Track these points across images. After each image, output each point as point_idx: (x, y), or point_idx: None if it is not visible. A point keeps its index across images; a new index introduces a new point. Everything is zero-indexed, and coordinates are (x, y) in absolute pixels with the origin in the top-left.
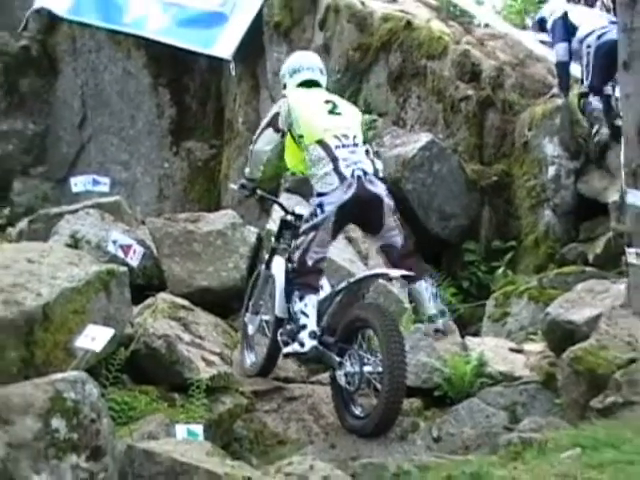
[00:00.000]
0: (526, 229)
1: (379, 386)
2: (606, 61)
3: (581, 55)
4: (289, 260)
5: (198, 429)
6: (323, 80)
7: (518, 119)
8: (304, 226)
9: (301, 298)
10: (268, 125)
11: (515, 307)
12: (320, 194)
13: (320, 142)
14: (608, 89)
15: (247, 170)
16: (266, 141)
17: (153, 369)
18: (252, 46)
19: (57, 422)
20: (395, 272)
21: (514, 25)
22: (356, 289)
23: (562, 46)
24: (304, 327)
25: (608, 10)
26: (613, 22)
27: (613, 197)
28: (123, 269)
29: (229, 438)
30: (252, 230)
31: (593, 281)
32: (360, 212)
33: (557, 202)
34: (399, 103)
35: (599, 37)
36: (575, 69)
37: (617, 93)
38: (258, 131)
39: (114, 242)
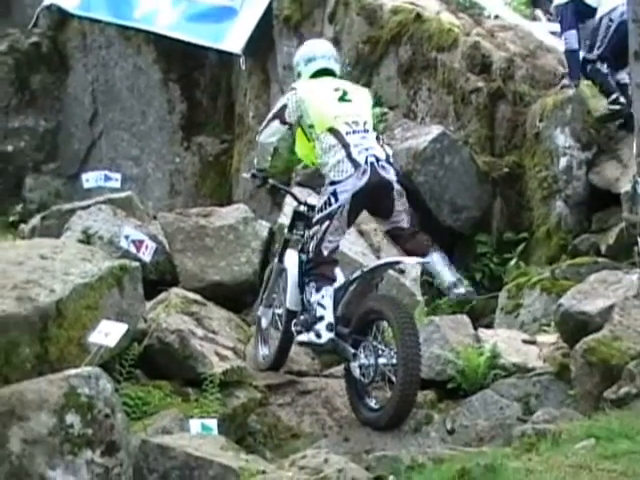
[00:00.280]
0: (538, 220)
1: (393, 378)
2: (625, 40)
3: (598, 29)
4: (302, 251)
5: (212, 423)
6: (337, 68)
7: (529, 110)
8: (318, 216)
9: (318, 290)
10: (275, 117)
11: (528, 299)
12: (333, 182)
13: (331, 130)
14: (624, 77)
15: (255, 161)
16: (271, 132)
17: (166, 364)
18: (262, 40)
19: (72, 418)
20: (409, 259)
21: (524, 16)
22: (370, 278)
23: (572, 33)
24: (321, 319)
25: None
26: None
27: (625, 187)
28: (135, 264)
29: (243, 432)
30: (264, 224)
31: (606, 272)
32: (373, 198)
33: (569, 193)
34: (410, 96)
35: (622, 14)
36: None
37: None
38: (264, 122)
39: (126, 238)
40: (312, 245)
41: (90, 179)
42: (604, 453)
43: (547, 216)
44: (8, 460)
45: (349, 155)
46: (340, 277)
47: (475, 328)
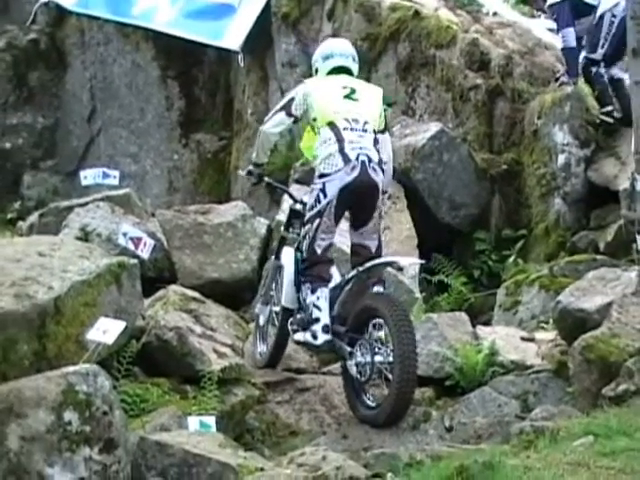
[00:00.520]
0: (536, 217)
1: (390, 376)
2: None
3: (601, 26)
4: (299, 249)
5: (210, 421)
6: (355, 67)
7: (527, 107)
8: (308, 214)
9: (313, 291)
10: (282, 108)
11: (526, 296)
12: (322, 175)
13: (330, 124)
14: (617, 73)
15: (254, 154)
16: (276, 123)
17: (165, 361)
18: (260, 37)
19: (69, 415)
20: (404, 260)
21: (522, 13)
22: (365, 277)
23: (569, 31)
24: (317, 320)
25: None
26: None
27: (624, 184)
28: (134, 262)
29: (241, 429)
30: (262, 221)
31: (604, 269)
32: (358, 198)
33: (567, 190)
34: (408, 93)
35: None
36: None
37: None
38: (270, 113)
39: (124, 235)
40: (305, 244)
41: (88, 176)
42: (602, 450)
43: (545, 213)
44: (6, 457)
45: (341, 149)
46: (336, 275)
47: (473, 325)
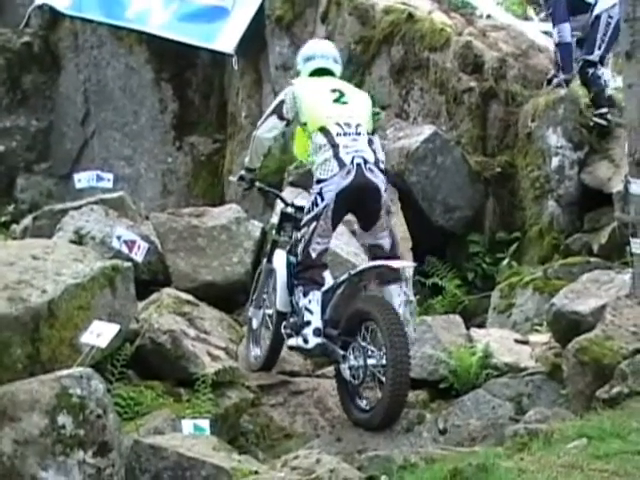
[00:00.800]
0: (530, 220)
1: (383, 379)
2: None
3: (598, 27)
4: (291, 253)
5: (204, 424)
6: (337, 69)
7: (521, 110)
8: (305, 218)
9: (305, 294)
10: (273, 112)
11: (520, 298)
12: (319, 180)
13: (322, 129)
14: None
15: (247, 159)
16: (269, 128)
17: (159, 364)
18: (254, 40)
19: (63, 418)
20: (396, 263)
21: (516, 16)
22: (357, 281)
23: (564, 26)
24: (308, 324)
25: None
26: None
27: (617, 187)
28: (128, 265)
29: (235, 432)
30: (256, 224)
31: (598, 271)
32: (358, 201)
33: (561, 193)
34: (402, 95)
35: None
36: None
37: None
38: (262, 118)
39: (118, 238)
40: (300, 247)
41: (82, 179)
42: (596, 453)
43: (539, 216)
44: (0, 461)
45: (336, 155)
46: (329, 280)
47: (467, 328)
